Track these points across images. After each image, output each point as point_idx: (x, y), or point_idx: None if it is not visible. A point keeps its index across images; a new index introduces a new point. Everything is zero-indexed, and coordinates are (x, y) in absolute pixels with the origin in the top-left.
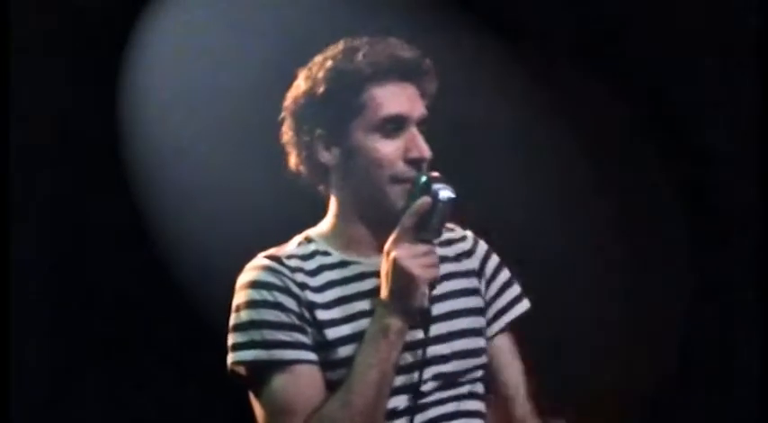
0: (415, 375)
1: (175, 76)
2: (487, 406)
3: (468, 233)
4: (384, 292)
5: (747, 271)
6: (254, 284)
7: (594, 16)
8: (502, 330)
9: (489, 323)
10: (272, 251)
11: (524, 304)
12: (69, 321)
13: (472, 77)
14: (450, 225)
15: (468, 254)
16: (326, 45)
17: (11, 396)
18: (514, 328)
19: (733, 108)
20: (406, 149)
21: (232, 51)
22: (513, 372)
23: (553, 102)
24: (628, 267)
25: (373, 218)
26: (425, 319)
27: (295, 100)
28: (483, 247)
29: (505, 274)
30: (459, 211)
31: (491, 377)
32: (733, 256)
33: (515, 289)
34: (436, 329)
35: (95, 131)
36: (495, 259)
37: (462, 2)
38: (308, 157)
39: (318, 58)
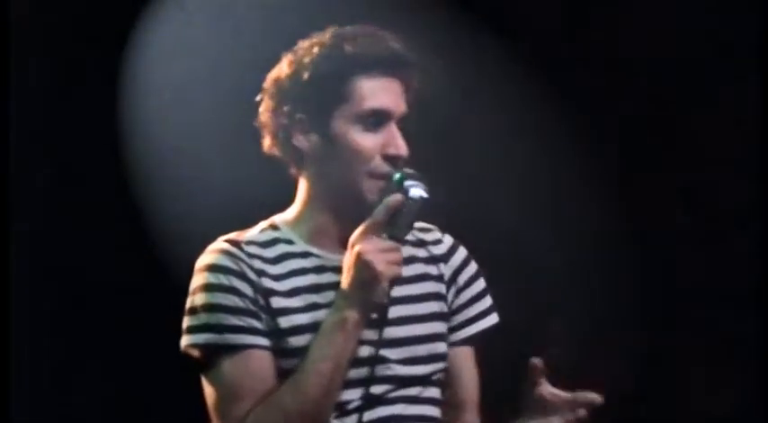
0: (368, 372)
1: (176, 76)
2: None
3: (447, 237)
4: (345, 285)
5: (747, 271)
6: (211, 268)
7: (594, 16)
8: (465, 340)
9: (453, 330)
10: (232, 235)
11: (493, 318)
12: (69, 321)
13: (461, 76)
14: (428, 226)
15: (441, 259)
16: None
17: (11, 396)
18: (480, 340)
19: (733, 108)
20: (385, 145)
21: (232, 51)
22: (469, 383)
23: (551, 101)
24: (627, 267)
25: (342, 209)
26: (382, 317)
27: (277, 82)
28: (461, 254)
29: (479, 285)
30: (436, 212)
31: (446, 383)
32: (733, 257)
33: (486, 301)
34: (396, 331)
35: (95, 131)
36: (471, 268)
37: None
38: (284, 140)
39: (305, 44)
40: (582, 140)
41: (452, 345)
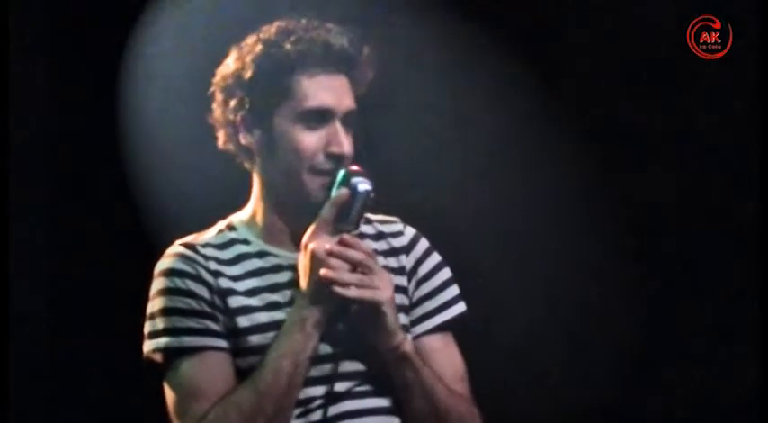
0: (331, 368)
1: (176, 76)
2: None
3: (409, 229)
4: (303, 284)
5: (747, 272)
6: (168, 272)
7: (594, 16)
8: (430, 331)
9: (416, 323)
10: (189, 238)
11: (459, 307)
12: (68, 320)
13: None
14: (390, 218)
15: (401, 251)
16: None
17: (10, 396)
18: (446, 330)
19: (733, 108)
20: (327, 143)
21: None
22: (442, 368)
23: (549, 99)
24: (625, 266)
25: (290, 206)
26: (343, 313)
27: (224, 78)
28: (422, 245)
29: (443, 275)
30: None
31: None
32: (732, 258)
33: (451, 292)
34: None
35: (95, 131)
36: (433, 259)
37: None
38: (233, 136)
39: (250, 40)
40: (580, 139)
41: (419, 336)
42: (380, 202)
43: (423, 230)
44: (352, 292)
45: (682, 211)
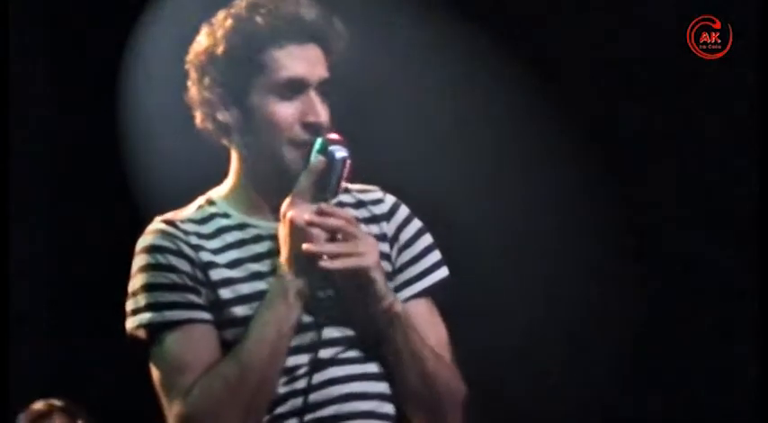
0: (314, 336)
1: (176, 76)
2: None
3: (389, 197)
4: (283, 254)
5: (747, 272)
6: (149, 249)
7: (594, 16)
8: (413, 297)
9: (399, 289)
10: (168, 215)
11: (441, 272)
12: (68, 320)
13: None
14: (369, 187)
15: (381, 218)
16: None
17: (10, 396)
18: (429, 295)
19: (733, 108)
20: (304, 113)
21: None
22: (426, 334)
23: (549, 99)
24: (625, 266)
25: (271, 179)
26: (325, 281)
27: (196, 55)
28: (403, 212)
29: (424, 241)
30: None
31: None
32: (732, 258)
33: (432, 257)
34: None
35: (95, 131)
36: (414, 225)
37: None
38: (209, 114)
39: (221, 15)
40: (580, 139)
41: (403, 302)
42: None
43: None
44: (336, 264)
45: (682, 211)
